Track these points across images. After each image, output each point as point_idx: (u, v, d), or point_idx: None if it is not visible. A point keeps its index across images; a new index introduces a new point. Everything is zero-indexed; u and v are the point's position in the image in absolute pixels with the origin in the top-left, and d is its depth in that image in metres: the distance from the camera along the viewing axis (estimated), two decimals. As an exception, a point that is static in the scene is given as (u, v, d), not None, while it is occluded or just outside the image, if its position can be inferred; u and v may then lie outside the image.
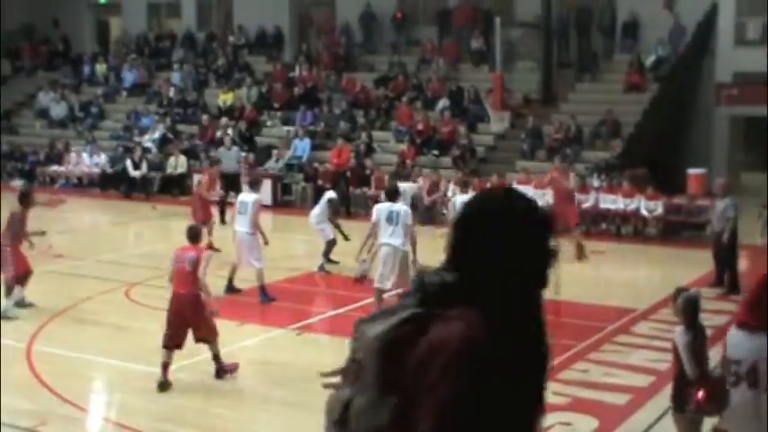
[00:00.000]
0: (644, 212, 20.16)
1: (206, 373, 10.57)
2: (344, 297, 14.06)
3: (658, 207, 20.07)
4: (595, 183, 21.22)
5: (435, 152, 24.16)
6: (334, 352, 11.43)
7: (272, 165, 25.08)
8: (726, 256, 14.52)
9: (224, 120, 27.19)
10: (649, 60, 24.73)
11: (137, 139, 27.53)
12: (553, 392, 9.82)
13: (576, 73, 25.96)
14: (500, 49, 24.34)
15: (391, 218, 11.99)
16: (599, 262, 17.86)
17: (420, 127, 24.89)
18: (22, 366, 10.62)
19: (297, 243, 20.59)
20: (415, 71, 27.61)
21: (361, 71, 28.49)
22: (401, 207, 12.31)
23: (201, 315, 10.12)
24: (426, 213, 22.02)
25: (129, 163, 24.99)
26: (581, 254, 16.74)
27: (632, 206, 20.26)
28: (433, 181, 22.19)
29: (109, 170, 26.72)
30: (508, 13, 26.64)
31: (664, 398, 8.25)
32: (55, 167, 28.01)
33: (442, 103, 25.73)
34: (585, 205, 20.43)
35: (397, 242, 11.90)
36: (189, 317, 10.02)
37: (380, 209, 12.31)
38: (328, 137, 25.76)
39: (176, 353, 10.05)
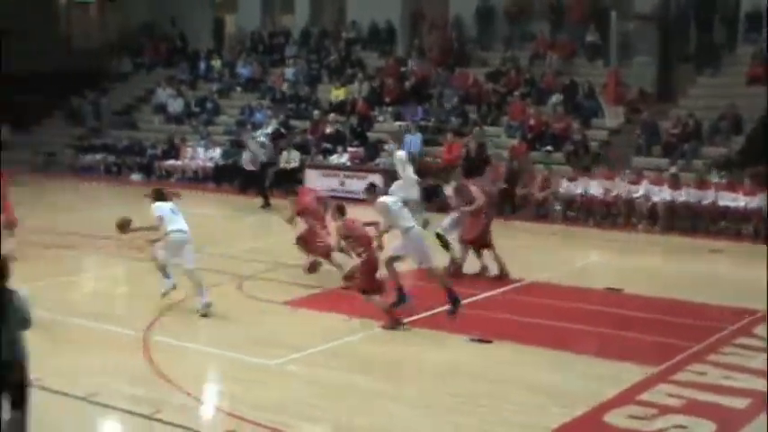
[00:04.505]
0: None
1: (317, 366, 10.63)
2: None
3: (781, 206, 19.34)
4: (714, 179, 20.60)
5: (548, 148, 23.83)
6: (442, 347, 11.38)
7: (383, 160, 25.12)
8: None
9: (332, 115, 27.39)
10: (774, 52, 23.86)
11: (251, 133, 27.88)
12: (667, 394, 9.56)
13: (696, 66, 25.21)
14: (616, 42, 23.83)
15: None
16: (716, 261, 17.34)
17: (532, 122, 24.59)
18: (138, 355, 10.87)
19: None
20: (527, 66, 27.28)
21: (473, 66, 28.28)
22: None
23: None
24: (539, 209, 21.81)
25: (245, 156, 25.34)
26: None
27: (753, 205, 19.57)
28: (545, 176, 21.91)
29: (222, 163, 27.22)
30: (625, 5, 26.07)
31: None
32: (171, 161, 28.68)
33: (555, 97, 25.35)
34: (705, 202, 19.89)
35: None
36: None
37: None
38: (439, 132, 25.65)
39: (288, 347, 10.10)
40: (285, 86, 30.38)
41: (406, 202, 13.80)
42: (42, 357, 8.95)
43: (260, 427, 8.70)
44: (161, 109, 32.17)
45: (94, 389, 9.63)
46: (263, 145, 25.13)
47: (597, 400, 9.42)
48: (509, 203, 22.00)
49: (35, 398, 7.38)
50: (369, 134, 26.84)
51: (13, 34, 37.12)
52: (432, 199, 20.56)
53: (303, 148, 26.49)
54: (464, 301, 13.37)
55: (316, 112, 28.17)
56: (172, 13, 35.45)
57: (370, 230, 12.94)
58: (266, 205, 22.92)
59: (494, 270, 15.26)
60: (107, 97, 34.20)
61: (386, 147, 24.08)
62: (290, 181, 25.34)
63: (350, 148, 25.93)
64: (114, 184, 24.02)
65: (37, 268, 14.92)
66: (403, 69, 29.00)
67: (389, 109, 27.68)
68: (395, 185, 18.44)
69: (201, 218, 16.02)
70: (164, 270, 13.20)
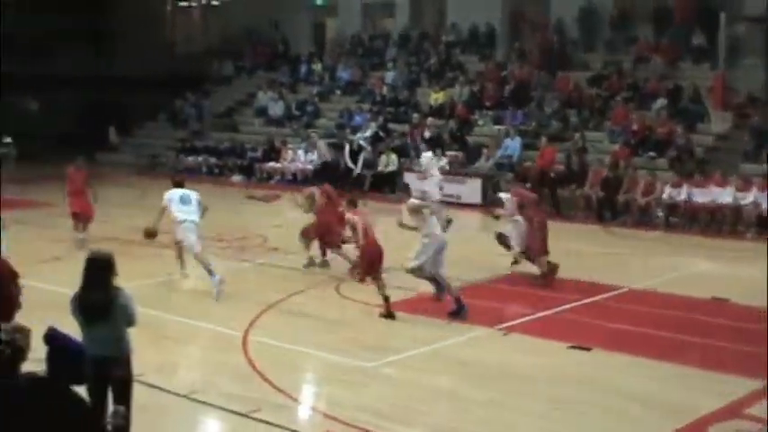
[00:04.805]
0: None
1: (414, 369, 10.60)
2: (552, 298, 13.78)
3: None
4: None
5: (651, 153, 23.34)
6: (541, 353, 11.21)
7: (482, 164, 24.99)
8: None
9: (431, 119, 27.37)
10: None
11: (350, 136, 28.08)
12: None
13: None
14: (724, 45, 23.22)
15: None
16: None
17: (635, 127, 24.13)
18: (238, 354, 11.00)
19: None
20: (631, 69, 26.78)
21: (575, 69, 27.91)
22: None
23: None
24: (641, 215, 21.39)
25: (347, 153, 25.53)
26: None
27: None
28: (647, 182, 21.47)
29: (326, 160, 27.45)
30: (734, 7, 25.38)
31: None
32: (272, 164, 29.03)
33: (660, 102, 24.83)
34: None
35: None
36: None
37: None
38: (539, 136, 25.38)
39: (385, 349, 10.08)
40: (384, 90, 30.48)
41: (424, 199, 14.06)
42: (145, 354, 9.12)
43: (356, 430, 8.70)
44: (262, 112, 32.60)
45: (195, 386, 9.79)
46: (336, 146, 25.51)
47: (700, 412, 9.16)
48: (609, 209, 21.63)
49: (138, 393, 7.51)
50: (468, 138, 26.71)
51: (119, 39, 38.26)
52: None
53: (402, 152, 26.51)
54: (564, 307, 13.24)
55: (415, 116, 28.18)
56: (273, 18, 35.91)
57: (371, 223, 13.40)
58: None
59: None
60: (209, 100, 34.85)
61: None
62: (388, 184, 25.46)
63: (448, 152, 25.82)
64: (215, 186, 24.45)
65: (141, 267, 15.23)
66: (503, 73, 28.80)
67: (489, 113, 27.52)
68: (420, 184, 19.31)
69: (301, 220, 16.20)
70: (180, 252, 14.50)
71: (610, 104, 25.76)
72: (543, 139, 24.34)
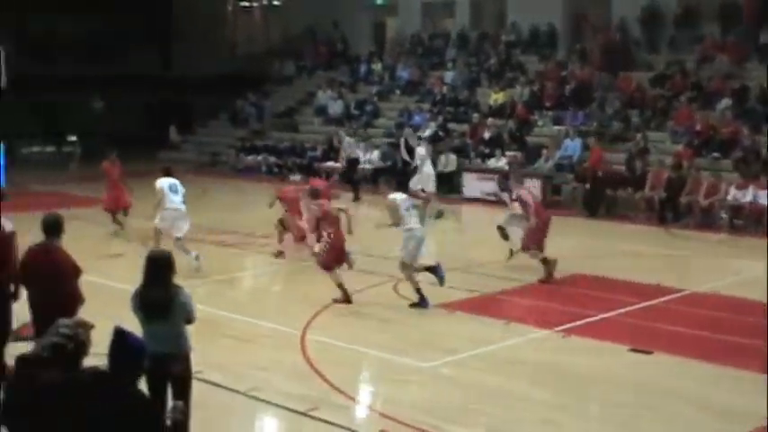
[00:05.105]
0: None
1: (471, 369, 10.55)
2: (612, 301, 13.61)
3: None
4: None
5: (715, 154, 22.95)
6: (600, 356, 11.08)
7: (541, 164, 24.81)
8: None
9: (490, 119, 27.25)
10: None
11: (405, 132, 27.99)
12: None
13: None
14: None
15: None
16: None
17: (699, 127, 23.74)
18: (296, 353, 11.04)
19: (564, 244, 20.20)
20: (695, 69, 26.37)
21: (637, 69, 27.56)
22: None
23: None
24: (704, 216, 21.07)
25: (402, 149, 25.55)
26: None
27: None
28: (711, 183, 21.12)
29: (382, 164, 27.49)
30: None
31: None
32: (331, 163, 29.12)
33: (724, 102, 24.40)
34: None
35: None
36: None
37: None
38: (600, 137, 25.10)
39: (443, 349, 10.05)
40: (444, 89, 30.41)
41: (417, 194, 15.14)
42: (205, 351, 9.22)
43: (413, 429, 8.67)
44: (321, 111, 32.74)
45: (253, 384, 9.84)
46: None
47: (758, 418, 8.92)
48: (671, 211, 21.33)
49: (197, 390, 7.57)
50: (527, 138, 26.54)
51: (183, 40, 38.76)
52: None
53: (461, 152, 26.43)
54: (624, 310, 13.09)
55: (475, 116, 28.07)
56: (333, 18, 36.05)
57: (341, 215, 14.01)
58: (356, 198, 23.48)
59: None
60: (270, 100, 35.10)
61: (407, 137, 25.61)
62: (447, 184, 25.38)
63: (508, 153, 25.70)
64: (275, 185, 24.59)
65: (202, 265, 15.38)
66: (563, 73, 28.56)
67: (549, 113, 27.31)
68: (415, 179, 20.81)
69: (362, 220, 16.24)
70: (158, 237, 15.36)
71: (673, 104, 25.38)
72: (592, 139, 24.14)
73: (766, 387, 9.10)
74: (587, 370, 10.62)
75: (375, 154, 28.22)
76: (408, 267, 13.29)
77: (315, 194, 14.94)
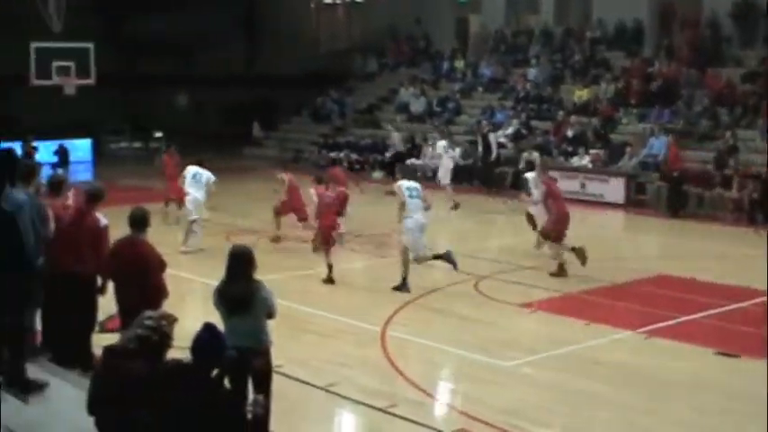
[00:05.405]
0: None
1: (553, 370, 10.43)
2: (698, 302, 13.32)
3: None
4: None
5: (809, 152, 22.30)
6: (685, 359, 10.84)
7: (626, 162, 24.40)
8: None
9: (574, 116, 26.92)
10: None
11: (483, 129, 27.82)
12: None
13: None
14: None
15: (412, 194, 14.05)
16: None
17: (792, 125, 23.09)
18: (376, 349, 11.06)
19: (648, 244, 19.91)
20: (789, 65, 25.65)
21: (727, 66, 26.92)
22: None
23: None
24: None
25: (479, 145, 25.45)
26: None
27: None
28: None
29: (461, 163, 27.36)
30: None
31: None
32: (412, 160, 29.08)
33: (820, 99, 23.68)
34: None
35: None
36: None
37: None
38: (688, 135, 24.59)
39: (524, 348, 9.96)
40: (527, 87, 30.14)
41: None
42: (285, 346, 9.28)
43: (493, 428, 8.61)
44: (403, 108, 32.73)
45: (333, 379, 9.88)
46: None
47: None
48: (762, 211, 20.78)
49: (277, 384, 7.62)
50: (611, 136, 26.15)
51: (267, 38, 39.17)
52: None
53: (543, 150, 26.15)
54: (711, 312, 12.82)
55: (560, 113, 27.76)
56: (416, 14, 36.00)
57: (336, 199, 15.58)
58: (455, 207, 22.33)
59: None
60: (351, 96, 35.23)
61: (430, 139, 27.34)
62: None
63: (591, 151, 25.35)
64: (356, 181, 24.70)
65: (281, 260, 15.54)
66: (650, 69, 28.04)
67: (634, 110, 26.86)
68: (441, 171, 23.39)
69: (439, 217, 16.22)
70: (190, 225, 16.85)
71: (765, 102, 24.70)
72: (670, 138, 23.68)
73: None
74: (672, 373, 10.41)
75: (457, 151, 28.11)
76: (405, 252, 13.91)
77: (319, 181, 16.03)
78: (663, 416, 9.13)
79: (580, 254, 14.90)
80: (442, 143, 24.33)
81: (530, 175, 17.29)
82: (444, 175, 23.26)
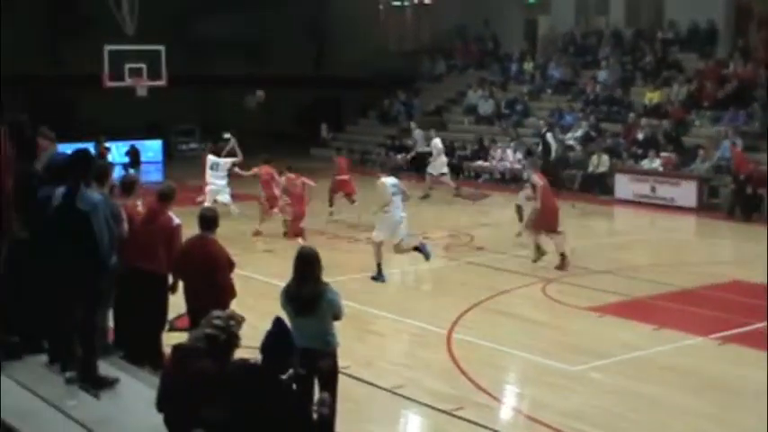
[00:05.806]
0: None
1: (621, 375, 10.29)
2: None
3: None
4: None
5: None
6: (756, 366, 10.58)
7: (698, 166, 23.98)
8: None
9: (644, 119, 26.54)
10: None
11: (560, 136, 27.58)
12: None
13: None
14: None
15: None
16: None
17: None
18: (442, 352, 11.02)
19: (722, 249, 19.53)
20: None
21: (805, 67, 26.29)
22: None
23: None
24: None
25: (540, 147, 25.27)
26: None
27: None
28: None
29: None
30: None
31: None
32: (480, 162, 28.99)
33: None
34: None
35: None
36: None
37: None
38: (763, 138, 24.06)
39: (592, 353, 9.81)
40: (597, 89, 29.79)
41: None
42: (352, 347, 9.31)
43: (560, 434, 8.53)
44: (471, 110, 32.61)
45: (398, 381, 9.87)
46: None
47: None
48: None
49: (343, 385, 7.63)
50: (684, 139, 25.72)
51: (336, 39, 39.35)
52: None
53: (613, 152, 25.85)
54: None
55: (631, 116, 27.39)
56: (484, 15, 35.84)
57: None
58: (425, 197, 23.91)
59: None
60: (419, 98, 35.20)
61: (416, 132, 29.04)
62: (598, 185, 24.90)
63: (662, 154, 24.95)
64: (421, 183, 24.69)
65: (349, 261, 15.58)
66: (724, 71, 27.51)
67: (707, 113, 26.38)
68: (430, 166, 24.64)
69: (509, 219, 16.17)
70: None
71: None
72: (738, 141, 23.23)
73: None
74: (746, 381, 10.18)
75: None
76: (377, 245, 14.55)
77: (288, 169, 17.80)
78: (729, 423, 8.95)
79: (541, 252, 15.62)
80: (437, 141, 25.03)
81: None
82: (440, 169, 24.46)
